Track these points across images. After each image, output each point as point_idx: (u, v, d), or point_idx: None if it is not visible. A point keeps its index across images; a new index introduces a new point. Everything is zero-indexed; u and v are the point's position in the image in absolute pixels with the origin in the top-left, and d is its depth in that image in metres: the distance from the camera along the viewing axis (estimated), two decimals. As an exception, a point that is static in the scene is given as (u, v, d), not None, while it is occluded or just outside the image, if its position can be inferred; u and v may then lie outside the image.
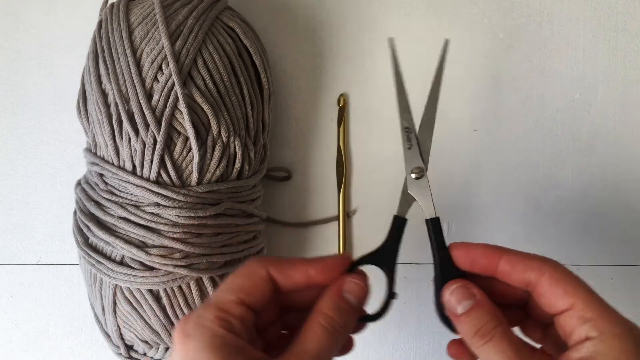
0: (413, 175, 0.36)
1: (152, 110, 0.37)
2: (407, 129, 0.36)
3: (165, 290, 0.38)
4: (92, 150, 0.40)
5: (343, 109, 0.48)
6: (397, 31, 0.48)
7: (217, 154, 0.38)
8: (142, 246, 0.38)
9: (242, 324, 0.28)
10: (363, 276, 0.32)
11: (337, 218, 0.48)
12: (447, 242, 0.34)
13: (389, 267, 0.34)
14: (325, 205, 0.48)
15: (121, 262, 0.38)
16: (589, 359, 0.26)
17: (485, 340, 0.29)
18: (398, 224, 0.34)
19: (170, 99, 0.37)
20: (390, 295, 0.34)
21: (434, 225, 0.34)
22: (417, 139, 0.36)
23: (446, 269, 0.33)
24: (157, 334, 0.39)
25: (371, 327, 0.51)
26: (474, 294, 0.30)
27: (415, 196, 0.35)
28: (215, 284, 0.39)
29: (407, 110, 0.36)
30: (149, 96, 0.37)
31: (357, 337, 0.48)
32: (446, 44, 0.37)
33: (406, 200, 0.35)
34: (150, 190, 0.37)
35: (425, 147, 0.36)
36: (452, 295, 0.31)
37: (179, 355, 0.27)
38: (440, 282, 0.33)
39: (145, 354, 0.41)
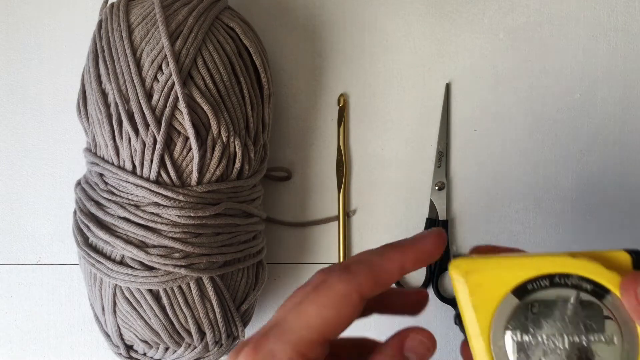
0: (436, 187, 0.47)
1: (152, 110, 0.37)
2: (440, 153, 0.46)
3: (165, 290, 0.38)
4: (92, 150, 0.40)
5: (343, 109, 0.48)
6: (397, 31, 0.48)
7: (217, 154, 0.38)
8: (142, 246, 0.38)
9: None
10: (428, 333, 0.25)
11: (337, 218, 0.48)
12: (450, 240, 0.48)
13: None
14: (325, 205, 0.48)
15: (121, 262, 0.38)
16: None
17: None
18: (429, 224, 0.47)
19: (170, 99, 0.37)
20: (427, 278, 0.47)
21: (442, 226, 0.46)
22: (446, 161, 0.46)
23: (444, 259, 0.46)
24: (157, 334, 0.39)
25: (371, 327, 0.51)
26: None
27: (435, 203, 0.46)
28: (215, 284, 0.39)
29: (444, 139, 0.46)
30: (149, 96, 0.37)
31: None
32: (447, 88, 0.47)
33: (432, 205, 0.47)
34: (150, 190, 0.37)
35: (448, 167, 0.47)
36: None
37: None
38: (438, 270, 0.46)
39: (145, 354, 0.41)
